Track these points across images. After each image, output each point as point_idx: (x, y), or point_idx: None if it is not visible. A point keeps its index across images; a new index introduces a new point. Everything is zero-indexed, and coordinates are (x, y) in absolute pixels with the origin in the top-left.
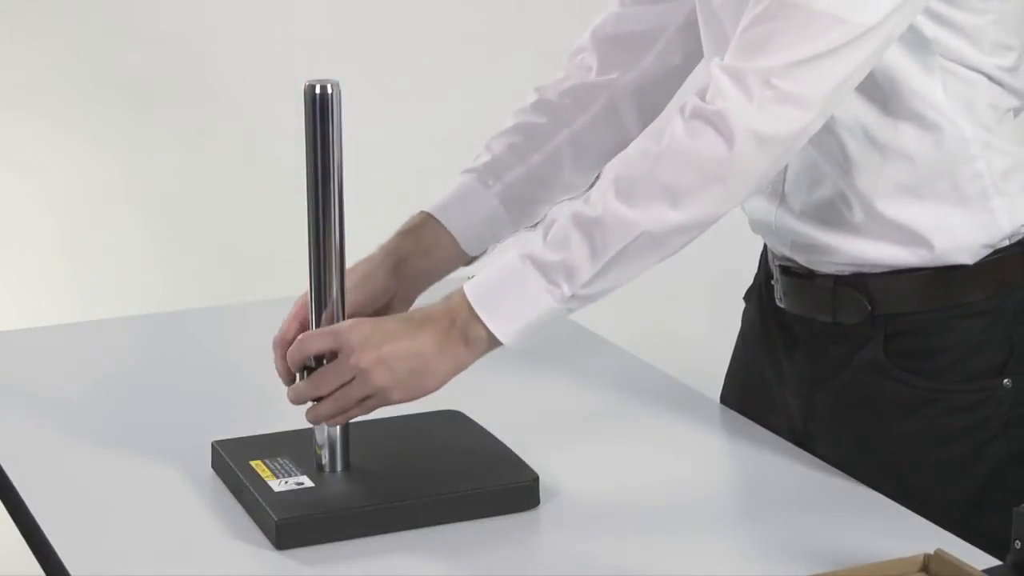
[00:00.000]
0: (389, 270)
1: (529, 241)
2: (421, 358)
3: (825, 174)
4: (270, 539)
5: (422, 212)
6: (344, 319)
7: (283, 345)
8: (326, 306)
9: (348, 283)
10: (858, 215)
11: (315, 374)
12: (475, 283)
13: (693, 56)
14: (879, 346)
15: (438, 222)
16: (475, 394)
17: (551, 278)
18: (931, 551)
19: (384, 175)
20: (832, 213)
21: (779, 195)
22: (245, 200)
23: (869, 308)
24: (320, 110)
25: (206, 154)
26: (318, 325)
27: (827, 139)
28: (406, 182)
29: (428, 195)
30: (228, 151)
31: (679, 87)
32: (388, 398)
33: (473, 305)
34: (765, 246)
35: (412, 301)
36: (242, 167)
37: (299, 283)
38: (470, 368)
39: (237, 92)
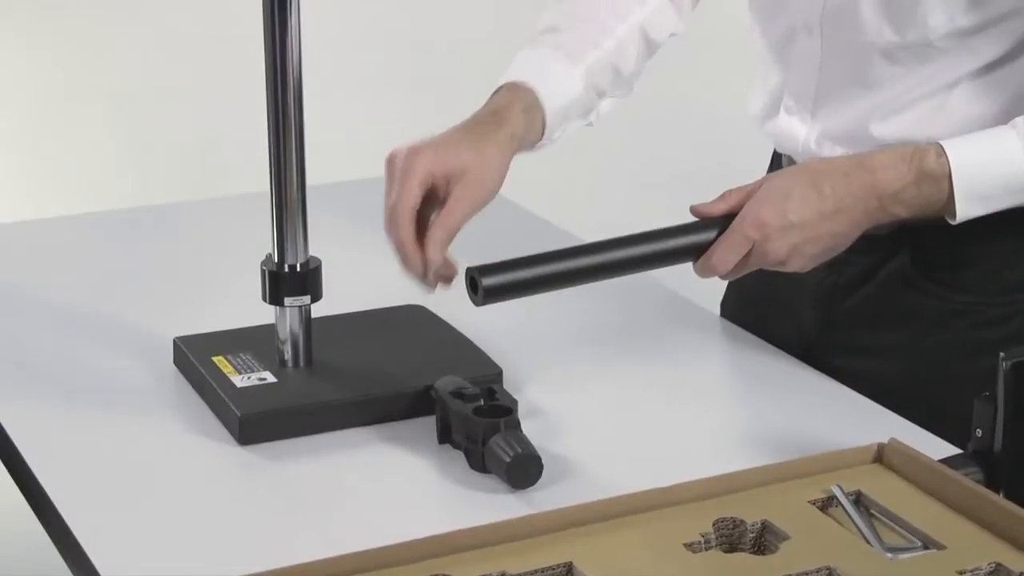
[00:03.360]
0: (508, 160)
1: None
2: (837, 238)
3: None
4: (233, 434)
5: (530, 90)
6: (305, 225)
7: (407, 215)
8: (287, 197)
9: (458, 166)
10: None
11: (736, 268)
12: (964, 169)
13: None
14: (907, 257)
15: (541, 106)
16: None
17: None
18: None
19: (344, 68)
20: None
21: (808, 114)
22: (205, 95)
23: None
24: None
25: (169, 49)
26: (280, 217)
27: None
28: (369, 77)
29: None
30: (191, 46)
31: None
32: (803, 270)
33: (956, 187)
34: (775, 153)
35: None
36: (204, 61)
37: (260, 179)
38: None
39: None
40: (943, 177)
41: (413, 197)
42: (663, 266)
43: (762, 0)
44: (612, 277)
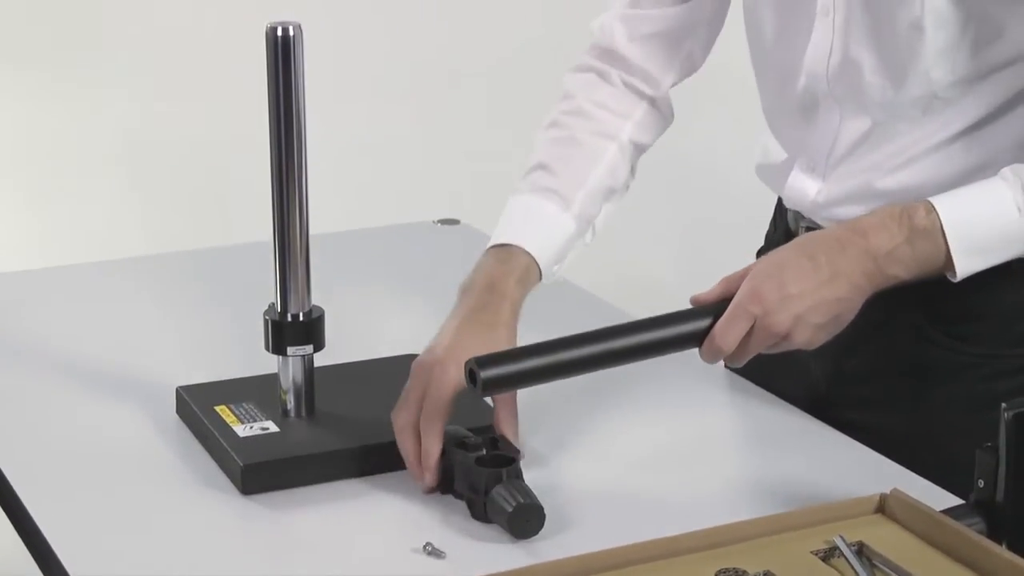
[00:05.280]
0: (516, 329)
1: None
2: (841, 304)
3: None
4: (235, 484)
5: (523, 252)
6: (307, 275)
7: (414, 428)
8: (289, 247)
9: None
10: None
11: (741, 348)
12: (957, 223)
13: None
14: (919, 310)
15: (535, 261)
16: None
17: None
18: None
19: (344, 114)
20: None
21: (822, 175)
22: (208, 145)
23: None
24: (282, 52)
25: (173, 98)
26: (282, 266)
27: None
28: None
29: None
30: (195, 96)
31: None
32: (811, 347)
33: (950, 242)
34: (780, 204)
35: None
36: (208, 111)
37: (264, 229)
38: (439, 316)
39: (200, 33)
40: (935, 232)
41: (445, 413)
42: (667, 353)
43: (774, 69)
44: (614, 366)
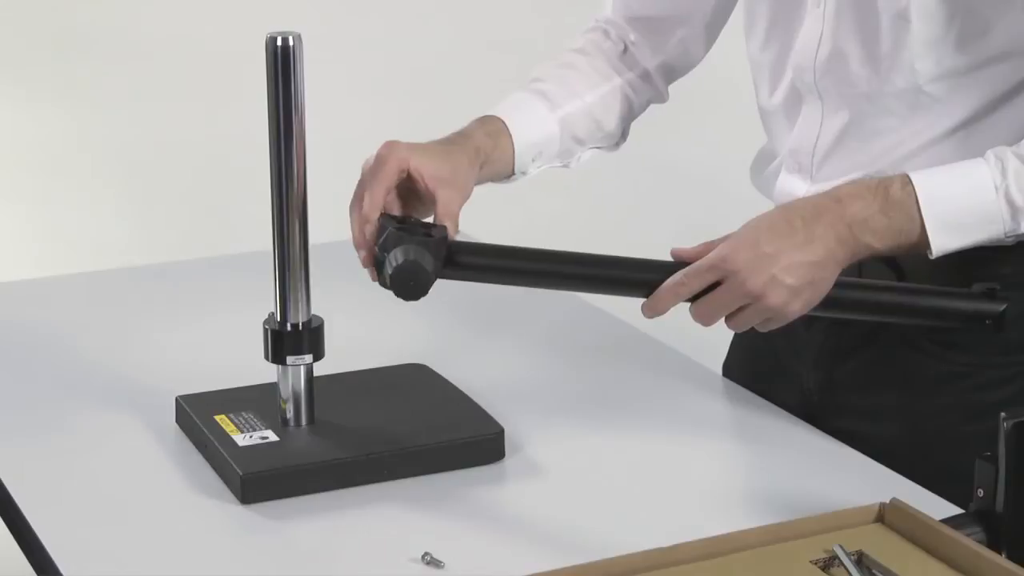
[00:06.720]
0: (476, 171)
1: (1005, 175)
2: (815, 268)
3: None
4: (235, 493)
5: (499, 119)
6: (307, 284)
7: (359, 201)
8: (289, 256)
9: (440, 170)
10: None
11: (704, 302)
12: (933, 197)
13: (714, 37)
14: None
15: (510, 135)
16: (460, 356)
17: (1017, 219)
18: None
19: (345, 124)
20: None
21: (809, 174)
22: (208, 153)
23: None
24: (282, 62)
25: (171, 107)
26: (282, 275)
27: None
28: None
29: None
30: (194, 104)
31: (701, 59)
32: (787, 315)
33: (925, 216)
34: None
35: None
36: (206, 119)
37: (263, 238)
38: (440, 325)
39: (201, 43)
40: (910, 205)
41: (381, 183)
42: (618, 293)
43: (766, 65)
44: (565, 290)
